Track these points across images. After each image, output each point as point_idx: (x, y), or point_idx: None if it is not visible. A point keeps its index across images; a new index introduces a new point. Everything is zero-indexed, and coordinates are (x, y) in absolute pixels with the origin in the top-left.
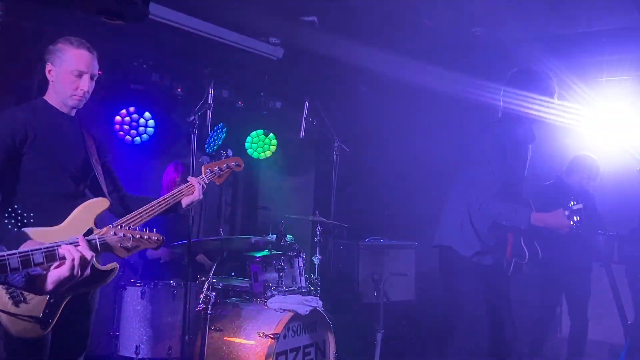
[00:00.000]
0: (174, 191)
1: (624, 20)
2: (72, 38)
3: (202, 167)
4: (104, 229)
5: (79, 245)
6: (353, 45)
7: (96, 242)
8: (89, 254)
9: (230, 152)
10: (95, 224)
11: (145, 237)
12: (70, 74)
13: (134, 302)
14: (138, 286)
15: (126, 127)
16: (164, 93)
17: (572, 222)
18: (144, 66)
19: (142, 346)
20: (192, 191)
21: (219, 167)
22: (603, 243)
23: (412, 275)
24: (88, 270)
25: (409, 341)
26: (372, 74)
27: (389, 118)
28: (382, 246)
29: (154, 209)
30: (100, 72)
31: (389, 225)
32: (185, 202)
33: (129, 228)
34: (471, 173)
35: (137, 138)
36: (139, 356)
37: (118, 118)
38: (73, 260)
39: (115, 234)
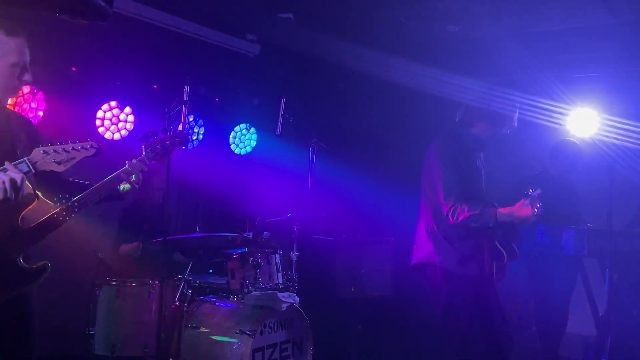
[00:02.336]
0: (111, 176)
1: (594, 18)
2: (4, 21)
3: (143, 147)
4: (33, 151)
5: (7, 170)
6: (329, 42)
7: (26, 163)
8: (17, 176)
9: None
10: (22, 220)
11: (79, 146)
12: (11, 67)
13: (109, 300)
14: (113, 284)
15: (107, 122)
16: (140, 89)
17: (535, 210)
18: (119, 63)
19: (118, 345)
20: (129, 176)
21: (161, 145)
22: (574, 236)
23: (389, 271)
24: (24, 191)
25: (386, 336)
26: (348, 71)
27: (366, 115)
28: (359, 242)
29: (95, 193)
30: (74, 69)
31: (366, 221)
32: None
33: (59, 143)
34: (432, 184)
35: (117, 134)
36: (115, 354)
37: (100, 113)
38: (3, 182)
39: (44, 152)
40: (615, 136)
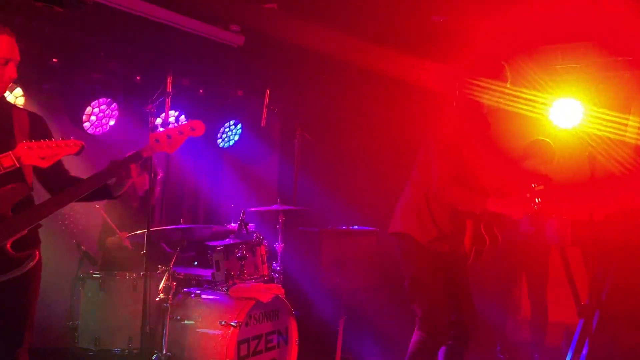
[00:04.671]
0: (104, 169)
1: (578, 8)
2: None
3: (150, 135)
4: (18, 146)
5: None
6: (314, 33)
7: (11, 157)
8: None
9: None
10: (15, 211)
11: (62, 144)
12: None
13: (93, 293)
14: (96, 277)
15: (93, 118)
16: (122, 81)
17: (534, 206)
18: (101, 54)
19: (102, 337)
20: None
21: (168, 134)
22: (557, 227)
23: (374, 262)
24: None
25: (371, 326)
26: (333, 62)
27: (351, 105)
28: (344, 232)
29: (87, 186)
30: (55, 60)
31: (351, 212)
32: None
33: (42, 140)
34: (428, 159)
35: (99, 128)
36: (99, 347)
37: (89, 109)
38: None
39: (29, 147)
40: (598, 127)
